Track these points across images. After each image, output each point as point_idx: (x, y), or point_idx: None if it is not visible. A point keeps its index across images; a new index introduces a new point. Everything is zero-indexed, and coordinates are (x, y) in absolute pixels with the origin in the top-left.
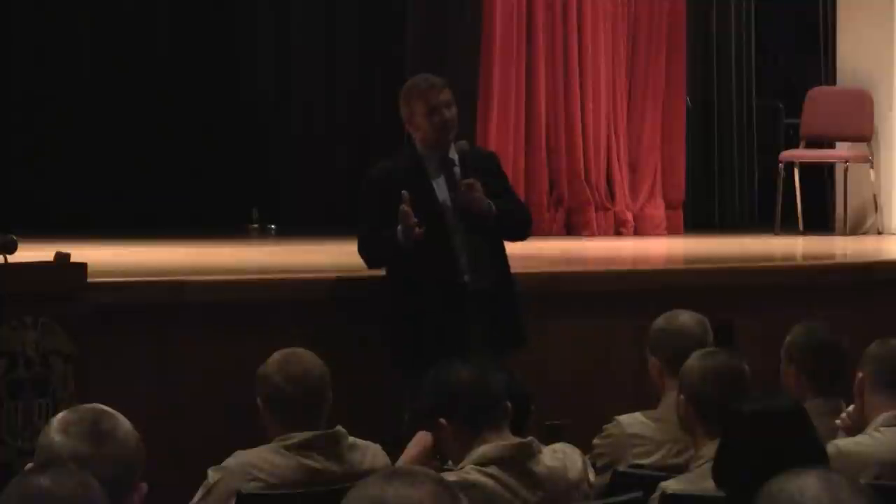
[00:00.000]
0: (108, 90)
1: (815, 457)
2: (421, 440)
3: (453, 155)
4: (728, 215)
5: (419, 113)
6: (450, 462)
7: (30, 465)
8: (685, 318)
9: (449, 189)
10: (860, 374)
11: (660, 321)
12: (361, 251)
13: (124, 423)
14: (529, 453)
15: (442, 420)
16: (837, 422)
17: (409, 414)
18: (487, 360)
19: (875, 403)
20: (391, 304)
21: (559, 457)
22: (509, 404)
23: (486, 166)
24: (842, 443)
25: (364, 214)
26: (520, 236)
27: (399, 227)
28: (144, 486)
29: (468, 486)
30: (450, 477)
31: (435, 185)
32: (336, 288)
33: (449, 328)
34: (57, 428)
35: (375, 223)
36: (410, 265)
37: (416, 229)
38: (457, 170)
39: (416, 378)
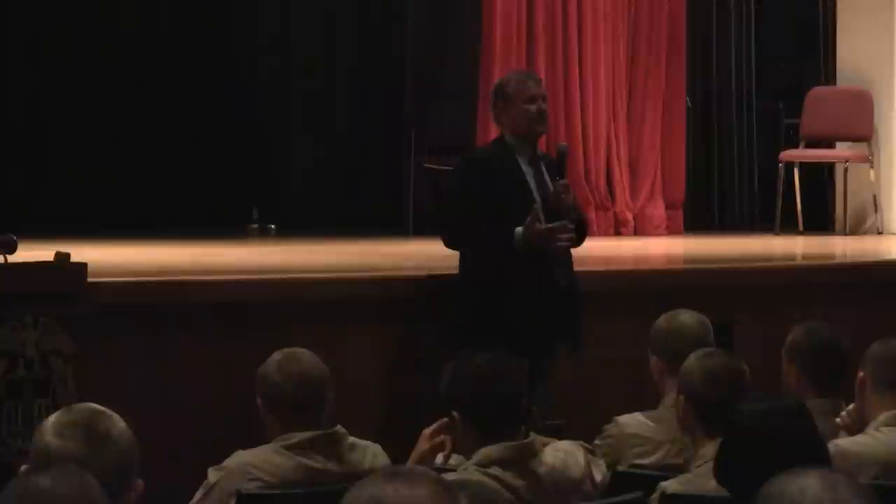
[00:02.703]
0: (108, 90)
1: (818, 455)
2: (422, 444)
3: (539, 152)
4: (728, 215)
5: (516, 102)
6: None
7: (24, 467)
8: (686, 317)
9: (537, 185)
10: (861, 374)
11: (661, 321)
12: (455, 233)
13: (118, 421)
14: (531, 453)
15: (455, 413)
16: (837, 420)
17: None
18: (512, 358)
19: (875, 403)
20: (472, 295)
21: (560, 455)
22: (532, 406)
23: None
24: (842, 442)
25: (457, 196)
26: (581, 242)
27: (522, 230)
28: (141, 484)
29: (469, 486)
30: (450, 477)
31: (528, 178)
32: (337, 288)
33: (529, 322)
34: (52, 430)
35: (469, 206)
36: (499, 259)
37: (559, 244)
38: (544, 168)
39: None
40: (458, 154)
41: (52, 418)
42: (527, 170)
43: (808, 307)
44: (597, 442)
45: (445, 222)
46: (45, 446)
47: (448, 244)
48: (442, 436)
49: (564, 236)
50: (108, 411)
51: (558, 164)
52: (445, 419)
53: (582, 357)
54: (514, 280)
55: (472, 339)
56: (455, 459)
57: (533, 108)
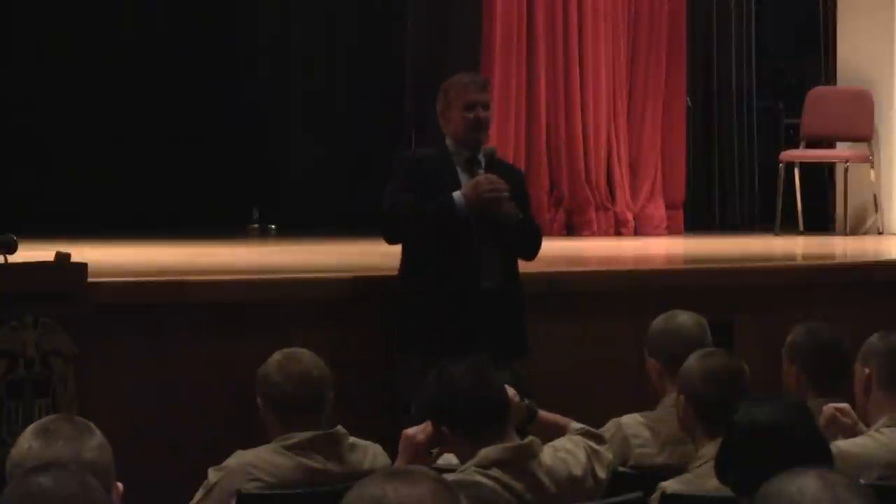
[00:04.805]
0: (108, 90)
1: (821, 454)
2: (406, 446)
3: (480, 158)
4: (728, 215)
5: (456, 107)
6: (434, 454)
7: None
8: (684, 318)
9: None
10: (867, 370)
11: (658, 322)
12: (389, 218)
13: (91, 426)
14: (531, 454)
15: (444, 429)
16: (844, 420)
17: (416, 408)
18: (488, 361)
19: (880, 401)
20: (402, 293)
21: (560, 455)
22: (523, 402)
23: (513, 179)
24: (843, 444)
25: (391, 191)
26: (530, 253)
27: (462, 192)
28: (120, 486)
29: (469, 486)
30: (450, 478)
31: (461, 181)
32: (337, 287)
33: (456, 323)
34: (29, 443)
35: (402, 196)
36: (428, 257)
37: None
38: (481, 171)
39: (420, 367)
40: None
41: (28, 431)
42: (463, 176)
43: (808, 307)
44: None
45: (382, 217)
46: (23, 460)
47: (389, 237)
48: (438, 448)
49: (494, 188)
50: (78, 418)
51: (489, 167)
52: (429, 424)
53: (528, 362)
54: (438, 282)
55: (409, 341)
56: (455, 461)
57: (471, 115)
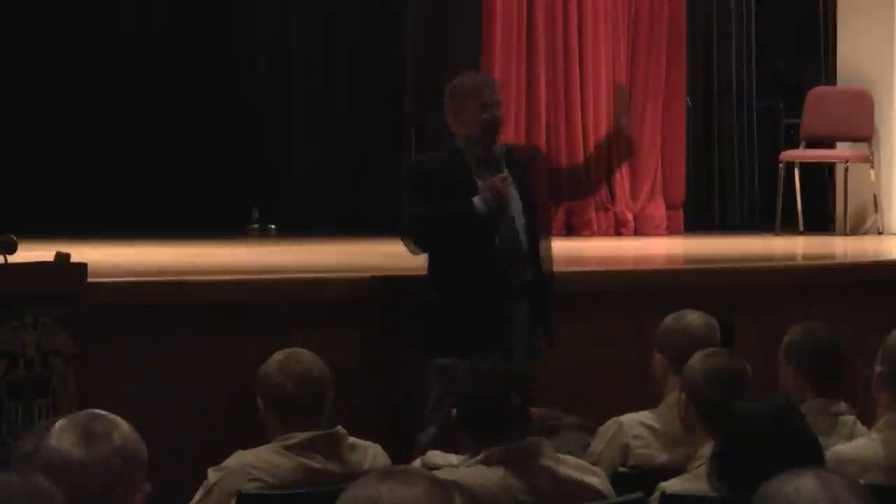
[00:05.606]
0: (108, 90)
1: (811, 451)
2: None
3: (498, 157)
4: (728, 215)
5: (470, 108)
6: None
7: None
8: (693, 318)
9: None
10: (878, 369)
11: (668, 320)
12: (415, 227)
13: (121, 424)
14: (534, 454)
15: (454, 410)
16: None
17: (429, 411)
18: (501, 361)
19: (885, 401)
20: (429, 292)
21: (561, 456)
22: (527, 406)
23: (527, 158)
24: (841, 448)
25: (410, 199)
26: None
27: (480, 196)
28: (148, 486)
29: (470, 487)
30: (454, 475)
31: (478, 181)
32: (337, 287)
33: (484, 322)
34: (55, 435)
35: (425, 203)
36: (454, 255)
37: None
38: (502, 171)
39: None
40: None
41: (58, 424)
42: (478, 173)
43: (808, 307)
44: (597, 443)
45: (405, 234)
46: (48, 451)
47: (414, 241)
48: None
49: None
50: (111, 415)
51: (507, 165)
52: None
53: (552, 355)
54: (468, 285)
55: (434, 342)
56: (457, 460)
57: (486, 115)
